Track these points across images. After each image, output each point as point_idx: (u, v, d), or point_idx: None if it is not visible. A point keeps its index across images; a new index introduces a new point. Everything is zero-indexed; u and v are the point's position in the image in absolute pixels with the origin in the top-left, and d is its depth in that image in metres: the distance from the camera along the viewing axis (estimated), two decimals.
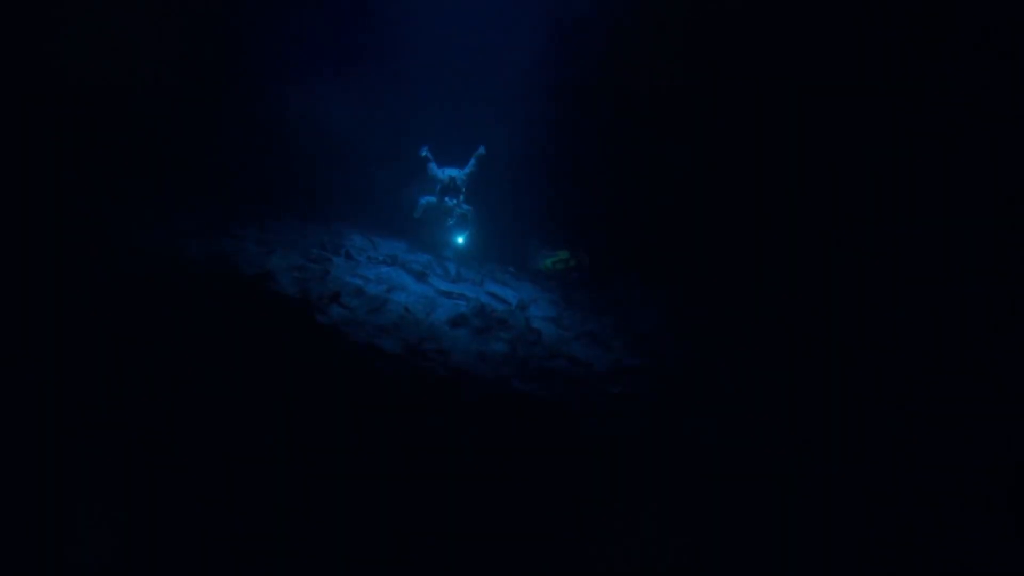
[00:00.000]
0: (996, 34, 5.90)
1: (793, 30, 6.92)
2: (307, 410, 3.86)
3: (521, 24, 7.71)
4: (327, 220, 7.11)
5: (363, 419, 3.94)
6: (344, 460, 3.62)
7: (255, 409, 3.76)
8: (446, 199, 7.13)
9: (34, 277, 4.35)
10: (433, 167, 7.19)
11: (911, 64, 6.22)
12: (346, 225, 7.11)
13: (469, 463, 3.82)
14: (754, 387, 5.22)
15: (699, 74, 7.54)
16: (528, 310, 6.50)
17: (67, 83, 6.04)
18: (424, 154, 7.32)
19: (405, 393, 4.36)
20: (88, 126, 6.06)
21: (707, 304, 6.83)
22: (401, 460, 3.72)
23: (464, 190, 7.20)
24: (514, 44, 7.74)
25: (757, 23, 7.10)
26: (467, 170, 7.24)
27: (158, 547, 3.02)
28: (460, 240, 7.39)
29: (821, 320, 6.12)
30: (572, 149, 8.18)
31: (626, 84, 7.85)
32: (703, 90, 7.60)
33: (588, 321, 6.63)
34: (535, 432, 4.35)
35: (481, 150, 7.22)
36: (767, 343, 5.93)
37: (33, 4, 5.98)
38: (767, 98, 7.32)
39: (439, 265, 6.88)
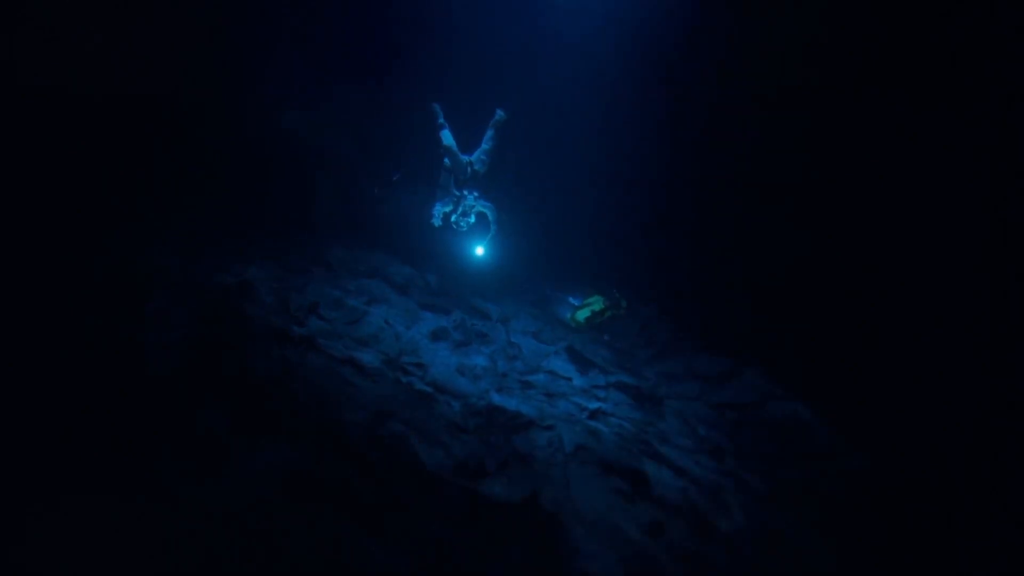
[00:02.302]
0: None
1: None
2: (279, 424, 3.83)
3: (526, 40, 7.38)
4: (311, 231, 7.09)
5: (337, 432, 3.91)
6: (313, 479, 3.58)
7: (222, 420, 3.72)
8: (464, 193, 5.74)
9: (22, 282, 4.34)
10: (448, 135, 5.75)
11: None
12: (329, 236, 7.08)
13: (443, 479, 3.80)
14: (727, 408, 5.27)
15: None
16: (510, 323, 6.51)
17: (55, 94, 6.01)
18: (435, 111, 5.79)
19: (380, 407, 4.32)
20: (74, 137, 6.03)
21: (687, 322, 6.88)
22: (375, 473, 3.69)
23: (483, 175, 5.79)
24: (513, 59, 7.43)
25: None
26: (485, 146, 5.81)
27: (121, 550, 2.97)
28: (480, 250, 6.12)
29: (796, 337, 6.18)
30: (576, 169, 7.85)
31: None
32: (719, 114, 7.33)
33: (569, 335, 6.65)
34: (510, 446, 4.34)
35: (500, 115, 5.75)
36: (742, 360, 5.98)
37: (30, 14, 5.97)
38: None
39: (421, 278, 6.88)
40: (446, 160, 5.72)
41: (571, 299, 6.31)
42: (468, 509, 3.68)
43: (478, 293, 6.83)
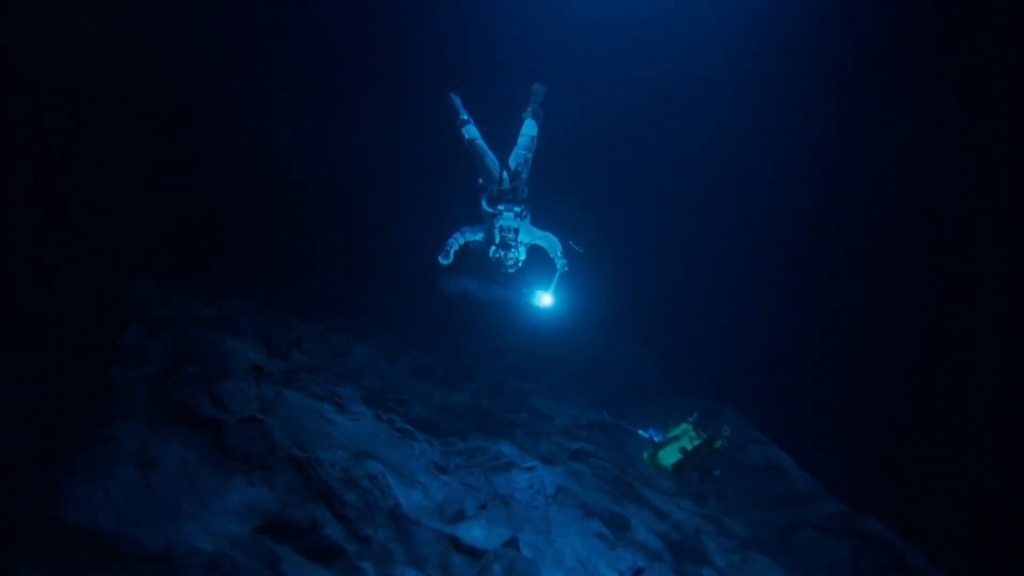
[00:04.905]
0: None
1: None
2: (252, 464, 3.75)
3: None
4: (295, 263, 7.05)
5: (313, 472, 3.83)
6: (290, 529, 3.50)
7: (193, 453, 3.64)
8: (500, 209, 3.72)
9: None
10: (474, 131, 3.94)
11: None
12: (315, 269, 7.06)
13: (420, 522, 3.72)
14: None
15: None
16: (495, 361, 6.49)
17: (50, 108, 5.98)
18: (454, 102, 4.00)
19: (358, 445, 4.25)
20: (68, 153, 6.01)
21: (671, 363, 6.92)
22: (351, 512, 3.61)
23: (526, 179, 3.88)
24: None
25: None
26: (523, 139, 3.93)
27: None
28: (547, 298, 3.92)
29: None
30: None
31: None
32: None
33: (555, 374, 6.63)
34: (491, 488, 4.27)
35: (539, 89, 4.03)
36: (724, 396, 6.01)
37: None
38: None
39: (408, 313, 6.86)
40: (479, 173, 3.94)
41: (648, 431, 4.12)
42: (445, 553, 3.59)
43: (467, 329, 6.81)
